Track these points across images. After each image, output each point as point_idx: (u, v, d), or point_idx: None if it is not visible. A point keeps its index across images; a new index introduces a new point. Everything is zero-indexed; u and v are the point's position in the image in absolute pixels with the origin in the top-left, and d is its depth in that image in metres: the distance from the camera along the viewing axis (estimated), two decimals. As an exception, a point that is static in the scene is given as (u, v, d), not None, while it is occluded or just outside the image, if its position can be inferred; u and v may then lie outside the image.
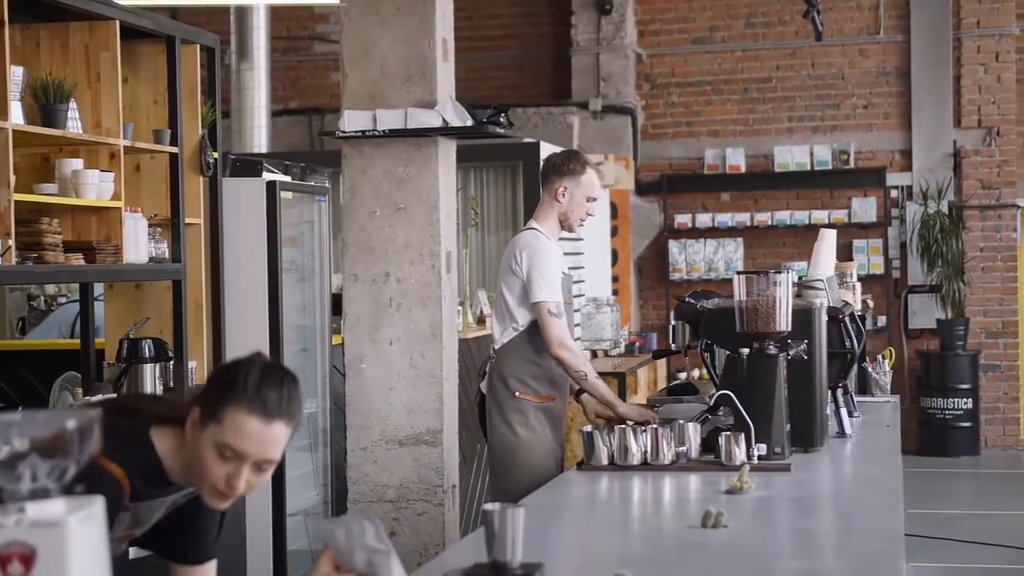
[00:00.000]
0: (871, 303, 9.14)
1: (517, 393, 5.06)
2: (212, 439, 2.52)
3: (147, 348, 5.26)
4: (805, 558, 2.98)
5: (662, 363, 10.70)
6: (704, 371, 5.71)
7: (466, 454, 7.06)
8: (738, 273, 4.30)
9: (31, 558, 1.66)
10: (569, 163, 5.18)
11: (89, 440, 1.73)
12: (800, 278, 5.27)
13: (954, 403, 11.92)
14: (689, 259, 12.64)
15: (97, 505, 1.74)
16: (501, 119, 5.68)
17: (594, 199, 5.20)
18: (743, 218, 12.53)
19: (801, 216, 12.37)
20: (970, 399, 11.95)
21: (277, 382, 2.56)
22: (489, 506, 2.68)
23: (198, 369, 5.68)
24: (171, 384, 5.43)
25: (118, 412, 2.67)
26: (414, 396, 5.46)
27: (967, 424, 11.97)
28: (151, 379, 5.26)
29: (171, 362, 5.41)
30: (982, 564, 8.02)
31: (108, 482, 2.52)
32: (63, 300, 8.01)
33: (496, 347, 5.19)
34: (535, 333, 5.05)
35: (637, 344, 10.48)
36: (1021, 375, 12.42)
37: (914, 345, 12.42)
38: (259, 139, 10.77)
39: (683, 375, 10.83)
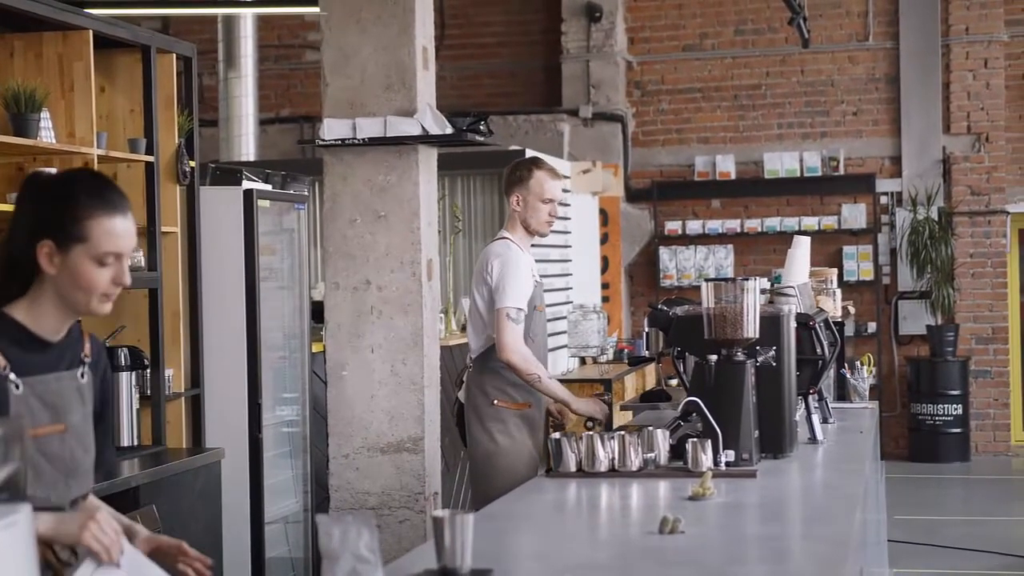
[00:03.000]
0: (852, 309, 9.15)
1: (496, 401, 5.13)
2: (87, 255, 2.62)
3: (123, 356, 5.27)
4: (755, 563, 3.00)
5: (651, 369, 10.71)
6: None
7: (448, 461, 7.07)
8: (706, 280, 4.31)
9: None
10: (517, 171, 5.27)
11: (15, 448, 1.75)
12: (772, 284, 5.28)
13: (944, 409, 11.93)
14: (680, 266, 12.66)
15: (23, 512, 1.75)
16: (480, 127, 5.69)
17: (550, 200, 5.23)
18: (733, 225, 12.55)
19: (791, 223, 12.38)
20: (960, 405, 11.95)
21: (105, 181, 2.70)
22: (438, 513, 2.70)
23: (175, 378, 5.69)
24: (148, 392, 5.45)
25: None
26: (395, 403, 5.46)
27: (957, 430, 11.97)
28: (127, 388, 5.26)
29: (147, 370, 5.42)
30: (969, 570, 8.02)
31: None
32: None
33: (473, 356, 5.25)
34: None
35: (626, 351, 10.49)
36: (1011, 381, 12.43)
37: (904, 351, 12.43)
38: (247, 147, 10.78)
39: (674, 382, 10.83)
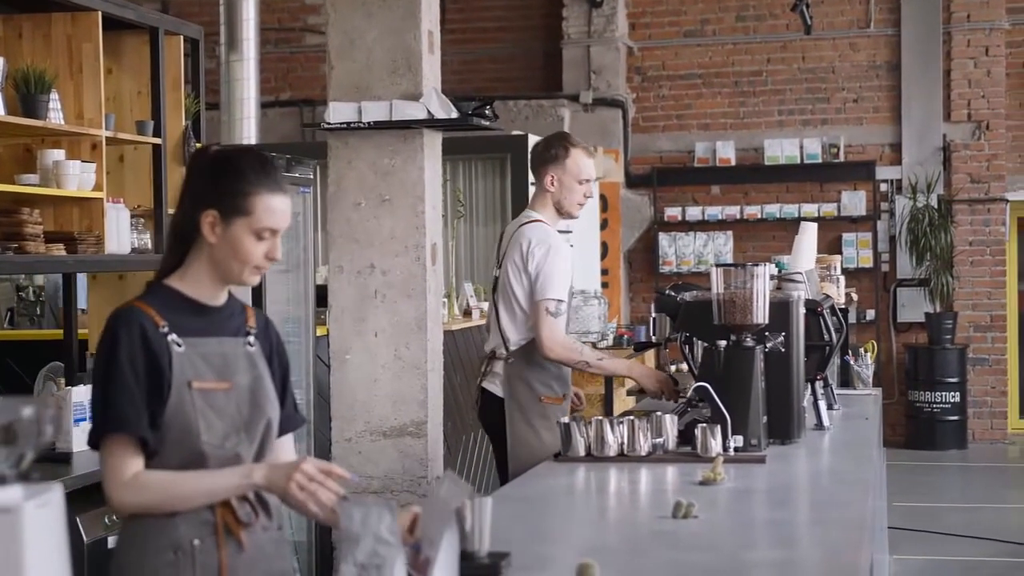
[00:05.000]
0: (855, 296, 9.16)
1: (542, 398, 4.99)
2: (247, 228, 2.75)
3: (129, 338, 5.26)
4: (771, 548, 3.01)
5: (650, 355, 10.73)
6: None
7: (451, 446, 7.08)
8: (716, 266, 4.31)
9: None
10: (551, 149, 5.07)
11: (46, 428, 1.75)
12: (780, 271, 5.29)
13: (942, 397, 11.95)
14: (679, 252, 12.67)
15: (55, 492, 1.76)
16: (486, 111, 5.68)
17: (587, 180, 5.09)
18: (733, 211, 12.56)
19: (791, 209, 12.39)
20: (958, 393, 11.98)
21: (269, 160, 2.81)
22: (456, 496, 2.70)
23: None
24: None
25: None
26: (399, 387, 5.45)
27: (955, 418, 12.00)
28: (133, 369, 5.26)
29: (154, 352, 5.41)
30: (966, 557, 8.05)
31: (127, 310, 2.76)
32: None
33: (511, 347, 5.04)
34: None
35: (626, 337, 10.50)
36: (1009, 369, 12.45)
37: (902, 338, 12.45)
38: (248, 130, 10.70)
39: (673, 368, 10.83)
